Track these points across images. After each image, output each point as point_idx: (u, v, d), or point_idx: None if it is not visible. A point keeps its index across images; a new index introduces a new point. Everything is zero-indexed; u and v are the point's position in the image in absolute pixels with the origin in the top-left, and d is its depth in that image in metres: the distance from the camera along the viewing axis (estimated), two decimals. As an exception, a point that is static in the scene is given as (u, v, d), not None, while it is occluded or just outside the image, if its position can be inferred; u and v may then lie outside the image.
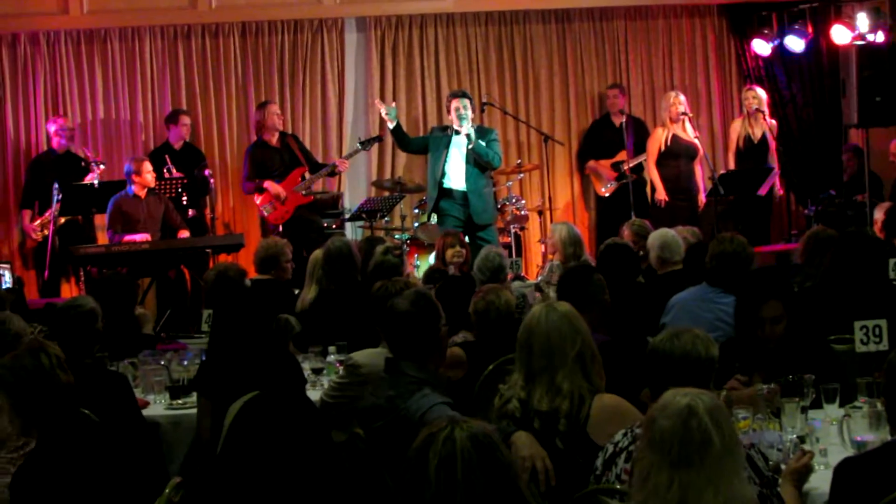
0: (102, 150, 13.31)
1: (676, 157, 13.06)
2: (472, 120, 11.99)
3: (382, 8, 13.99)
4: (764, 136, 13.24)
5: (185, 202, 12.37)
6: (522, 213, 13.07)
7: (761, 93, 13.45)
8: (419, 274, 11.26)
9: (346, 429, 5.85)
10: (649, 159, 13.15)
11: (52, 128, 12.81)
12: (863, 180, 12.22)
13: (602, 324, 6.30)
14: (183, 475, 6.06)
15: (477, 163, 11.88)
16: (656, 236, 9.08)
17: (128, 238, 11.60)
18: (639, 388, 4.80)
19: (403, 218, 12.60)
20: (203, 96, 13.70)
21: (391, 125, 12.12)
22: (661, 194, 13.02)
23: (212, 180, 12.65)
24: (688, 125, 13.09)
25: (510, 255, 12.09)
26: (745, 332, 6.04)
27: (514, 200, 13.07)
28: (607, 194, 13.68)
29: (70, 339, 6.29)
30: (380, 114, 12.37)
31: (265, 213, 12.59)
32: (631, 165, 13.16)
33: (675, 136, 13.03)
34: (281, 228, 12.39)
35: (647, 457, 3.43)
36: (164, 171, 12.37)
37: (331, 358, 7.45)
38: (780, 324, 5.90)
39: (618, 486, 4.20)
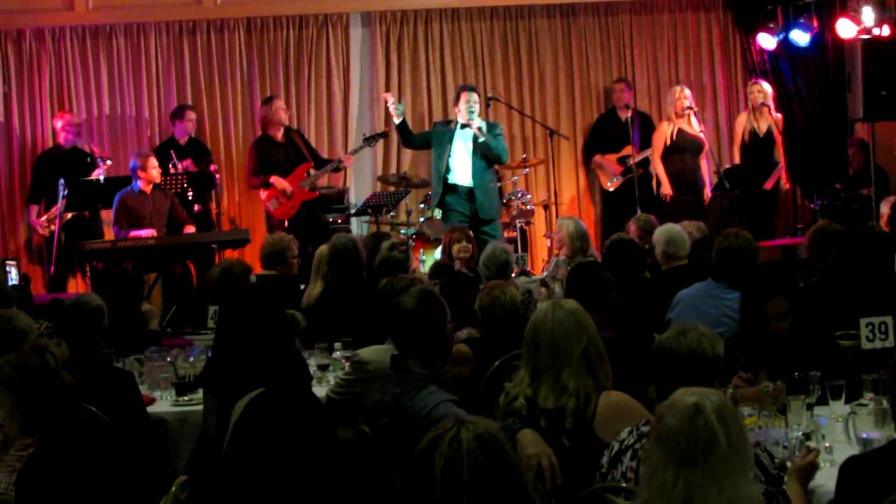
0: (108, 146, 13.32)
1: (682, 151, 13.06)
2: (478, 115, 11.98)
3: (387, 3, 13.99)
4: (769, 131, 13.23)
5: (190, 197, 12.38)
6: (528, 207, 13.07)
7: (766, 87, 13.44)
8: (425, 269, 11.26)
9: (353, 425, 5.86)
10: (655, 154, 13.15)
11: (59, 123, 12.82)
12: (868, 174, 12.20)
13: (608, 321, 6.30)
14: (189, 471, 6.09)
15: (484, 157, 11.85)
16: (662, 231, 9.07)
17: (133, 234, 11.61)
18: (645, 385, 4.80)
19: (409, 213, 12.60)
20: (208, 92, 13.70)
21: (397, 120, 12.09)
22: (667, 189, 13.02)
23: (217, 176, 12.66)
24: (693, 119, 13.09)
25: (516, 250, 12.11)
26: (750, 327, 6.04)
27: (519, 195, 13.07)
28: (613, 189, 13.68)
29: (76, 336, 6.31)
30: (386, 107, 12.32)
31: (270, 208, 12.60)
32: (637, 160, 13.15)
33: (680, 131, 13.03)
34: (286, 224, 12.39)
35: (654, 454, 3.44)
36: (170, 166, 12.38)
37: (337, 354, 7.46)
38: (786, 320, 5.91)
39: (623, 485, 4.21)
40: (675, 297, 7.61)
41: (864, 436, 4.75)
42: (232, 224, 13.49)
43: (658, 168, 13.13)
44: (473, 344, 6.89)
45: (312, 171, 12.76)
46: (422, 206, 12.88)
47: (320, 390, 6.70)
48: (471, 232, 10.40)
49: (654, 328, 7.17)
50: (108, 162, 12.36)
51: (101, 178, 12.02)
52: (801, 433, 4.89)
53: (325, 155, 13.39)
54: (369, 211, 12.43)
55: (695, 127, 13.07)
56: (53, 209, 12.07)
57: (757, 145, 13.28)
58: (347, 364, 6.72)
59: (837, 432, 4.95)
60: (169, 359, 7.17)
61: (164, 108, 13.57)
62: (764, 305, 5.91)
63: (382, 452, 5.05)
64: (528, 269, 11.94)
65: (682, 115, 13.03)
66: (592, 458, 4.52)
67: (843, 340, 6.52)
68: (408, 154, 13.74)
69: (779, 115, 13.45)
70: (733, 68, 14.70)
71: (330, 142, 13.83)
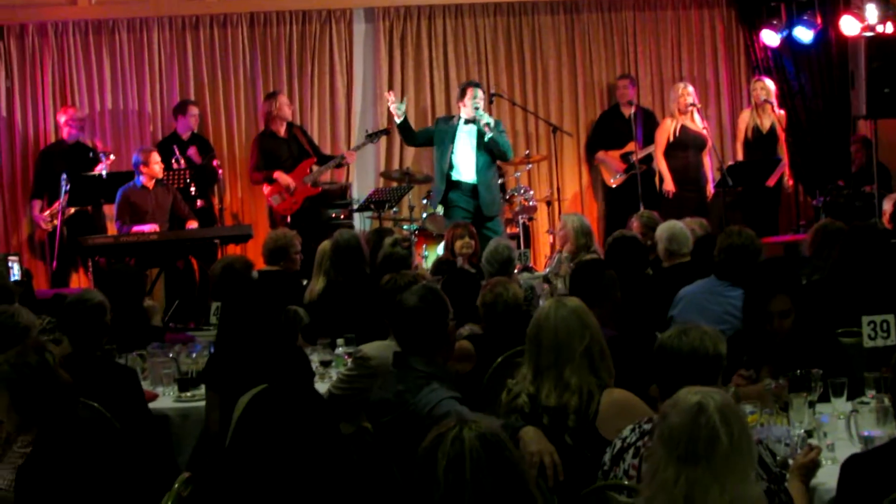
0: (110, 141, 13.32)
1: (685, 147, 13.08)
2: (483, 111, 11.97)
3: (391, -1, 14.01)
4: (772, 127, 13.24)
5: (193, 192, 12.38)
6: (531, 203, 13.06)
7: (770, 84, 13.44)
8: (427, 265, 11.27)
9: (355, 421, 5.86)
10: (658, 150, 13.16)
11: (63, 118, 12.83)
12: (871, 171, 12.20)
13: (611, 319, 6.30)
14: (191, 467, 6.09)
15: (489, 153, 11.85)
16: (664, 228, 9.08)
17: (136, 229, 11.61)
18: (647, 383, 4.80)
19: (412, 208, 12.60)
20: (211, 87, 13.70)
21: (398, 120, 12.08)
22: (669, 185, 13.02)
23: (220, 171, 12.67)
24: (696, 116, 13.10)
25: (518, 246, 12.10)
26: (753, 325, 6.05)
27: (522, 191, 13.07)
28: (616, 185, 13.68)
29: (78, 333, 6.32)
30: (388, 106, 12.30)
31: (273, 204, 12.60)
32: (640, 156, 13.15)
33: (683, 127, 13.04)
34: (289, 219, 12.40)
35: (657, 452, 3.45)
36: (173, 161, 12.38)
37: (339, 350, 7.47)
38: (788, 318, 5.92)
39: (625, 482, 4.21)
40: (677, 294, 7.62)
41: (866, 434, 4.76)
42: (234, 219, 13.50)
43: (661, 164, 13.13)
44: (476, 340, 6.91)
45: (315, 168, 12.76)
46: (424, 201, 12.88)
47: (323, 386, 6.71)
48: (473, 228, 10.39)
49: (657, 325, 7.18)
50: (112, 157, 12.38)
51: (104, 173, 12.03)
52: (802, 431, 4.89)
53: (327, 151, 13.40)
54: (372, 206, 12.43)
55: (698, 123, 13.07)
56: (56, 204, 12.07)
57: (760, 142, 13.28)
58: (350, 360, 6.73)
59: (839, 430, 4.96)
60: (171, 355, 7.19)
61: (166, 103, 13.57)
62: (766, 303, 5.92)
63: (385, 449, 5.05)
64: (531, 265, 11.94)
65: (686, 111, 13.04)
66: (595, 455, 4.52)
67: (845, 338, 6.52)
68: (411, 149, 13.72)
69: (782, 112, 13.45)
70: (737, 65, 14.69)
71: (333, 137, 13.83)
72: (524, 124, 14.31)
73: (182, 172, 12.35)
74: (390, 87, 13.58)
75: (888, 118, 12.21)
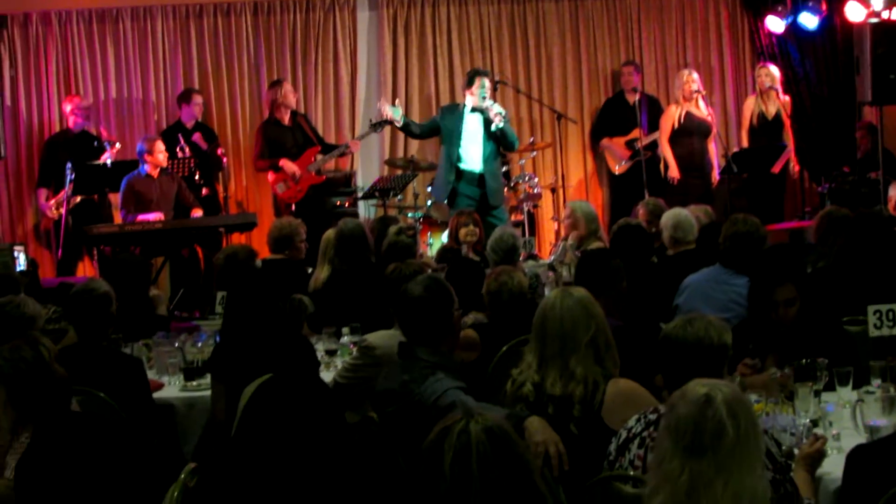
0: (115, 130, 13.33)
1: (690, 134, 13.05)
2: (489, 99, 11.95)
3: (395, -14, 14.00)
4: (778, 114, 13.21)
5: (198, 180, 12.38)
6: (535, 190, 13.05)
7: (774, 70, 13.41)
8: (432, 252, 11.26)
9: (360, 410, 5.87)
10: (662, 137, 13.13)
11: (68, 107, 12.84)
12: (876, 158, 12.17)
13: (617, 308, 6.30)
14: (197, 457, 6.10)
15: (495, 142, 11.83)
16: (669, 216, 9.07)
17: (141, 217, 11.61)
18: (652, 373, 4.80)
19: (416, 196, 12.59)
20: (215, 75, 13.69)
21: (398, 123, 12.08)
22: (674, 172, 13.00)
23: (224, 159, 12.67)
24: (701, 103, 13.07)
25: (523, 234, 12.10)
26: (758, 314, 6.05)
27: (527, 178, 13.05)
28: (620, 172, 13.67)
29: (84, 322, 6.32)
30: (385, 116, 12.22)
31: (278, 192, 12.60)
32: (645, 143, 13.14)
33: (688, 114, 13.01)
34: (294, 208, 12.39)
35: (663, 443, 3.45)
36: (177, 150, 12.37)
37: (344, 339, 7.47)
38: (794, 306, 5.92)
39: (631, 472, 4.21)
40: (682, 282, 7.62)
41: (872, 423, 4.75)
42: (239, 207, 13.50)
43: (666, 151, 13.11)
44: (481, 329, 6.91)
45: (319, 156, 12.76)
46: (429, 189, 12.87)
47: (328, 375, 6.71)
48: (478, 216, 10.38)
49: (662, 313, 7.19)
50: (117, 145, 12.38)
51: (109, 162, 12.03)
52: (808, 420, 4.89)
53: (332, 139, 13.40)
54: (376, 194, 12.41)
55: (703, 110, 13.05)
56: (61, 193, 12.08)
57: (765, 128, 13.26)
58: (355, 349, 6.73)
59: (845, 419, 4.96)
60: (177, 344, 7.20)
61: (170, 91, 13.57)
62: (772, 292, 5.92)
63: (390, 439, 5.05)
64: (536, 252, 11.92)
65: (690, 98, 13.01)
66: (600, 445, 4.52)
67: (851, 326, 6.52)
68: (415, 138, 13.72)
69: (787, 98, 13.42)
70: (741, 51, 14.66)
71: (337, 125, 13.82)
72: (528, 111, 14.30)
73: (187, 161, 12.34)
74: (394, 75, 13.62)
75: (893, 104, 12.21)
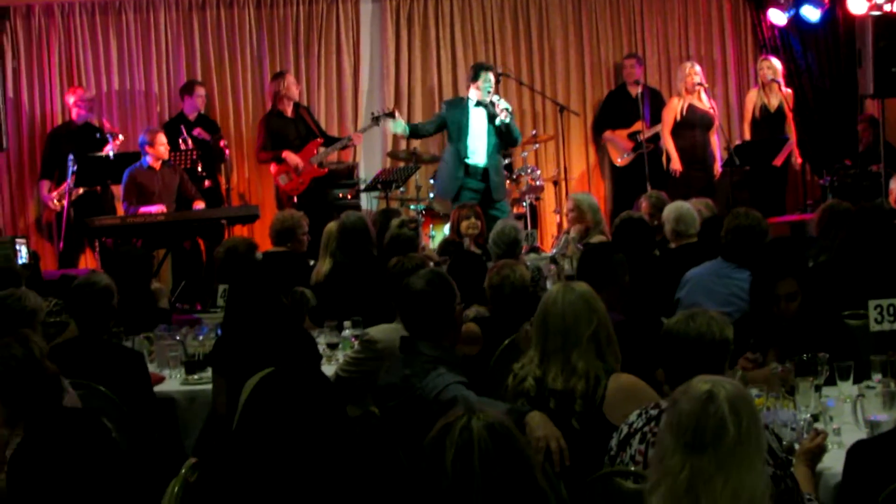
0: (117, 122, 13.33)
1: (692, 127, 13.05)
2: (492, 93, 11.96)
3: (398, -22, 13.98)
4: (780, 106, 13.20)
5: (200, 172, 12.39)
6: (538, 183, 13.05)
7: (776, 63, 13.40)
8: (434, 245, 11.26)
9: (361, 404, 5.87)
10: (665, 129, 13.13)
11: (71, 99, 12.84)
12: (878, 151, 12.16)
13: (619, 303, 6.29)
14: (198, 451, 6.10)
15: (499, 136, 11.83)
16: (671, 209, 9.07)
17: (143, 209, 11.61)
18: (653, 367, 4.80)
19: (419, 188, 12.58)
20: (218, 67, 13.69)
21: (406, 134, 12.12)
22: (676, 164, 13.00)
23: (227, 151, 12.67)
24: (703, 95, 13.07)
25: (525, 226, 12.09)
26: (760, 308, 6.05)
27: (529, 171, 13.05)
28: (623, 164, 13.67)
29: (85, 316, 6.32)
30: (392, 133, 12.19)
31: (281, 183, 12.59)
32: (647, 136, 13.14)
33: (690, 106, 13.01)
34: (296, 200, 12.39)
35: (664, 439, 3.44)
36: (180, 141, 12.38)
37: (346, 333, 7.47)
38: (795, 300, 5.93)
39: (632, 468, 4.21)
40: (684, 275, 7.62)
41: (872, 418, 4.75)
42: (241, 200, 13.50)
43: (668, 144, 13.11)
44: (482, 323, 6.90)
45: (322, 149, 12.75)
46: (432, 181, 12.86)
47: (329, 369, 6.71)
48: (479, 209, 10.38)
49: (664, 307, 7.18)
50: (120, 137, 12.38)
51: (111, 153, 12.02)
52: (809, 415, 4.89)
53: (335, 131, 13.39)
54: (379, 186, 12.41)
55: (705, 103, 13.05)
56: (64, 185, 12.08)
57: (768, 121, 13.25)
58: (357, 342, 6.73)
59: (845, 414, 4.95)
60: (178, 337, 7.20)
61: (173, 83, 13.57)
62: (773, 286, 5.92)
63: (391, 433, 5.06)
64: (538, 245, 11.93)
65: (693, 90, 13.00)
66: (601, 440, 4.52)
67: (852, 320, 6.52)
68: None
69: (789, 91, 13.41)
70: (743, 44, 14.66)
71: (340, 118, 13.81)
72: (531, 104, 14.30)
73: (189, 152, 12.34)
74: (397, 67, 13.63)
75: (895, 97, 12.19)
